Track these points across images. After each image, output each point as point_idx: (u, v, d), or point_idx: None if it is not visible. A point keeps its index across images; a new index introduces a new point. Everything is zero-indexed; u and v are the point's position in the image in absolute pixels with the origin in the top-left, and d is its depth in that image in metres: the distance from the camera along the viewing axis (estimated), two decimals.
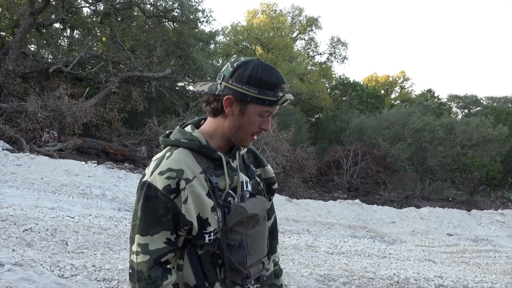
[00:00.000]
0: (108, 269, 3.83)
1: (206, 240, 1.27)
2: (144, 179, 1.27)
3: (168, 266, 1.30)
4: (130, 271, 1.28)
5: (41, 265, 3.74)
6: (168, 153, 1.29)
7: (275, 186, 1.56)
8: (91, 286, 3.53)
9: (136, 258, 1.25)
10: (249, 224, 1.30)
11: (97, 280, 3.66)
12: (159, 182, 1.23)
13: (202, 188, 1.26)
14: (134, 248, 1.26)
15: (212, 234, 1.27)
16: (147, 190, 1.24)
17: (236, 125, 1.29)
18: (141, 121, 13.79)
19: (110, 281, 3.67)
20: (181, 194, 1.23)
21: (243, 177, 1.39)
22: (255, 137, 1.35)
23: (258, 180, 1.46)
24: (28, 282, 3.36)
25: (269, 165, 1.55)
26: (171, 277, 1.28)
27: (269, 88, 1.25)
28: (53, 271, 3.69)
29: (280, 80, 1.27)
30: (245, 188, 1.38)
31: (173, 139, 1.32)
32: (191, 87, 16.47)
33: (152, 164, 1.29)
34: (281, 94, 1.28)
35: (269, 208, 1.54)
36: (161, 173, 1.24)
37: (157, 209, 1.23)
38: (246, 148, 1.42)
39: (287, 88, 1.31)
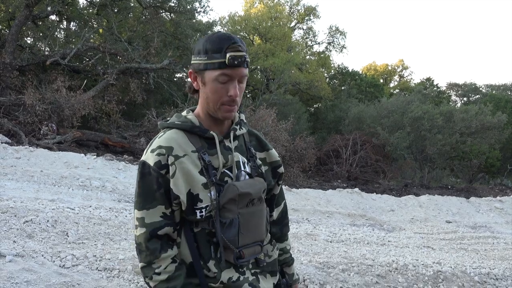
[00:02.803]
0: (109, 259, 3.86)
1: (198, 216, 1.30)
2: (141, 159, 1.34)
3: (170, 242, 1.35)
4: (136, 245, 1.35)
5: (42, 255, 3.77)
6: (161, 134, 1.36)
7: (281, 169, 1.54)
8: (92, 276, 3.56)
9: (136, 231, 1.33)
10: (242, 203, 1.31)
11: (98, 270, 3.69)
12: (151, 159, 1.30)
13: (194, 166, 1.30)
14: (134, 222, 1.35)
15: (204, 210, 1.30)
16: (142, 168, 1.32)
17: (204, 97, 1.33)
18: (140, 112, 13.77)
19: (111, 271, 3.70)
20: (169, 168, 1.28)
21: (240, 158, 1.39)
22: (232, 107, 1.32)
23: (260, 162, 1.46)
24: (29, 272, 3.39)
25: (273, 149, 1.54)
26: (170, 251, 1.32)
27: (217, 51, 1.26)
28: (54, 262, 3.72)
29: (229, 40, 1.27)
30: (242, 169, 1.38)
31: (168, 122, 1.39)
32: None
33: (148, 145, 1.37)
34: (229, 53, 1.25)
35: (277, 194, 1.55)
36: (152, 151, 1.31)
37: (151, 185, 1.30)
38: (243, 129, 1.43)
39: (242, 48, 1.28)
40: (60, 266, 3.66)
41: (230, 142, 1.38)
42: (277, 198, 1.56)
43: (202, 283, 1.33)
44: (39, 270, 3.45)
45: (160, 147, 1.30)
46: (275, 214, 1.58)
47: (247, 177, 1.38)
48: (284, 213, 1.61)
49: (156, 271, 1.30)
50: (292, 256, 1.65)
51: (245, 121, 1.47)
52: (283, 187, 9.37)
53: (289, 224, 1.65)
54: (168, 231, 1.32)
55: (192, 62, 1.33)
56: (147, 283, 1.33)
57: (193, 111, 1.42)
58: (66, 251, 3.96)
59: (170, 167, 1.28)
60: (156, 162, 1.28)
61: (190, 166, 1.29)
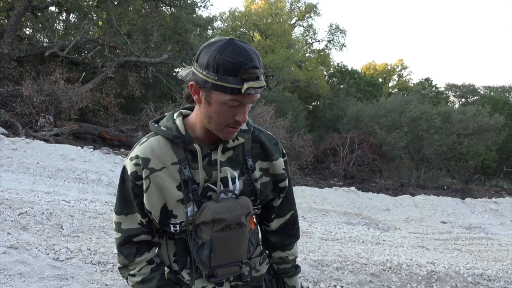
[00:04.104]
0: (103, 253, 3.86)
1: (172, 230, 1.26)
2: (124, 162, 1.31)
3: (149, 245, 1.33)
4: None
5: (36, 248, 3.77)
6: (145, 139, 1.28)
7: (283, 184, 1.37)
8: (86, 269, 3.56)
9: (114, 234, 1.34)
10: (217, 227, 1.22)
11: (92, 263, 3.69)
12: (129, 167, 1.25)
13: (172, 180, 1.22)
14: (113, 225, 1.34)
15: (178, 226, 1.25)
16: (122, 172, 1.28)
17: (206, 115, 1.19)
18: (138, 106, 13.73)
19: (105, 264, 3.70)
20: (143, 182, 1.23)
21: (228, 172, 1.27)
22: (236, 129, 1.20)
23: (257, 176, 1.31)
24: (23, 264, 3.38)
25: (280, 159, 1.37)
26: (146, 254, 1.30)
27: (231, 74, 1.09)
28: (48, 254, 3.71)
29: (246, 62, 1.09)
30: (230, 185, 1.26)
31: (156, 125, 1.28)
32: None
33: (132, 148, 1.30)
34: (248, 81, 1.09)
35: (278, 206, 1.42)
36: (131, 159, 1.25)
37: (129, 192, 1.26)
38: (240, 139, 1.29)
39: (260, 73, 1.12)
40: (54, 259, 3.65)
41: (218, 154, 1.25)
42: (280, 209, 1.43)
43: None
44: (33, 262, 3.45)
45: (137, 157, 1.23)
46: (274, 224, 1.44)
47: (227, 195, 1.25)
48: (290, 224, 1.46)
49: (131, 273, 1.31)
50: (298, 268, 1.50)
51: (246, 128, 1.31)
52: None
53: (299, 234, 1.50)
54: (145, 238, 1.30)
55: (195, 73, 1.15)
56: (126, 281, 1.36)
57: (184, 116, 1.30)
58: (60, 244, 3.96)
59: (144, 181, 1.22)
60: (132, 172, 1.23)
61: (166, 180, 1.22)
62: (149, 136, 1.28)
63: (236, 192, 1.27)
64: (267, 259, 1.44)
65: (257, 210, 1.35)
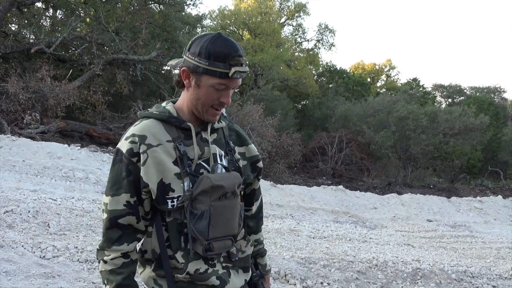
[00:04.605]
0: (91, 251, 3.84)
1: (169, 206, 1.30)
2: (116, 146, 1.36)
3: (135, 234, 1.34)
4: None
5: (23, 246, 3.73)
6: (137, 122, 1.37)
7: (260, 164, 1.56)
8: (73, 267, 3.54)
9: (102, 215, 1.36)
10: (215, 196, 1.31)
11: (79, 262, 3.67)
12: (124, 146, 1.31)
13: (168, 156, 1.31)
14: (102, 206, 1.41)
15: (175, 201, 1.30)
16: (115, 155, 1.34)
17: (194, 97, 1.33)
18: (126, 104, 13.62)
19: (92, 263, 3.68)
20: (141, 156, 1.29)
21: (217, 150, 1.40)
22: (219, 111, 1.35)
23: (238, 157, 1.46)
24: (9, 263, 3.35)
25: (252, 144, 1.56)
26: (125, 246, 1.32)
27: (220, 60, 1.26)
28: (34, 252, 3.68)
29: (233, 51, 1.27)
30: (218, 162, 1.39)
31: (147, 112, 1.39)
32: (176, 71, 16.34)
33: (124, 133, 1.38)
34: (235, 67, 1.26)
35: (256, 189, 1.57)
36: (126, 138, 1.32)
37: (120, 172, 1.31)
38: (222, 122, 1.44)
39: (244, 61, 1.30)
40: (40, 257, 3.63)
41: (207, 134, 1.38)
42: (255, 193, 1.58)
43: (167, 274, 1.33)
44: (19, 260, 3.42)
45: (133, 135, 1.31)
46: (254, 208, 1.59)
47: (223, 170, 1.38)
48: (260, 207, 1.63)
49: (105, 258, 1.33)
50: (265, 247, 1.67)
51: (225, 115, 1.48)
52: (268, 182, 9.42)
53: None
54: (130, 221, 1.32)
55: (187, 60, 1.31)
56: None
57: (174, 102, 1.42)
58: (47, 242, 3.93)
59: (141, 155, 1.28)
60: (128, 149, 1.30)
61: (163, 155, 1.30)
62: (142, 120, 1.37)
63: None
64: (251, 241, 1.55)
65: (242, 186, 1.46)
